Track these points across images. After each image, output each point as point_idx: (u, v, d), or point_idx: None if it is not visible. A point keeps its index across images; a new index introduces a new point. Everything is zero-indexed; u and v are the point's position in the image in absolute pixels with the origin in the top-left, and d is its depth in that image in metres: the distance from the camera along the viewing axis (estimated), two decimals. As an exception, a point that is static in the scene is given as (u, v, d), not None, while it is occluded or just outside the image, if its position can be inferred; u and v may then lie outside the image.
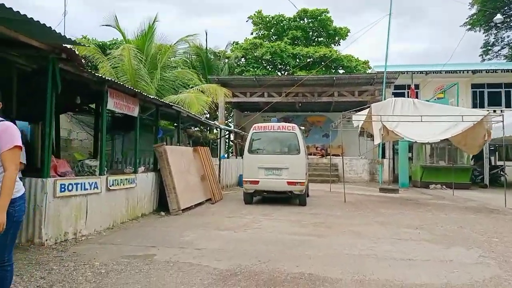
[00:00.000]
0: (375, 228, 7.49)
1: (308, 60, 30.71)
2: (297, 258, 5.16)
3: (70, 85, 8.65)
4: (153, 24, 16.57)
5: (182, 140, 14.59)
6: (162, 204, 9.07)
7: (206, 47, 26.94)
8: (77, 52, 5.48)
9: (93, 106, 10.37)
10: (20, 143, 2.73)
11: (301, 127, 12.00)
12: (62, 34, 5.10)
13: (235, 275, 4.41)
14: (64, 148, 13.36)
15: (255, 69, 30.06)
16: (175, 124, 15.10)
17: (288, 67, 31.85)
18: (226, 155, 17.34)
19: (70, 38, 4.99)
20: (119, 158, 11.75)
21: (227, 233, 6.77)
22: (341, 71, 31.56)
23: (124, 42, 17.07)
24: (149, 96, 8.52)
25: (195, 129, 20.54)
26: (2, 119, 2.78)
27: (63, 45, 5.24)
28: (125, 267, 4.60)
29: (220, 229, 7.13)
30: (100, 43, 23.33)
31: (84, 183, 6.23)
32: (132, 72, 14.58)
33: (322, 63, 28.67)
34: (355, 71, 30.19)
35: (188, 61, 25.51)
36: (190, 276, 4.31)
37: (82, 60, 5.68)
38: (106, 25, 16.43)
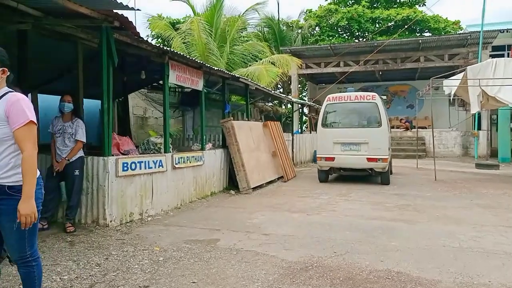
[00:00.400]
0: (476, 213, 6.30)
1: (389, 24, 28.15)
2: (381, 250, 4.34)
3: (136, 60, 8.54)
4: (221, -6, 16.08)
5: (253, 115, 14.12)
6: (233, 182, 8.69)
7: (278, 18, 26.01)
8: (130, 20, 5.05)
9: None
10: (34, 118, 2.28)
11: (382, 97, 10.75)
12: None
13: (305, 269, 3.75)
14: (141, 126, 13.67)
15: (330, 38, 28.34)
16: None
17: (366, 33, 29.55)
18: (299, 130, 16.56)
19: (120, 3, 4.54)
20: (190, 135, 11.61)
21: (299, 216, 6.12)
22: (427, 35, 28.45)
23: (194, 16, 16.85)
24: (214, 68, 8.01)
25: (269, 104, 20.01)
26: (11, 90, 2.34)
27: (115, 11, 4.83)
28: (185, 254, 4.18)
29: (292, 211, 6.50)
30: (175, 21, 23.62)
31: (148, 161, 5.95)
32: (202, 47, 14.31)
33: (405, 26, 26.01)
34: (443, 33, 26.98)
35: (261, 34, 24.88)
36: (253, 269, 3.75)
37: (136, 29, 5.24)
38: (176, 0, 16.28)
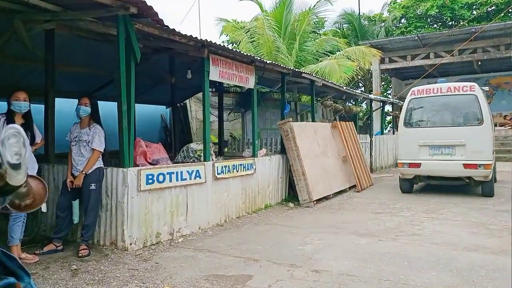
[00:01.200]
0: None
1: (489, 8, 24.44)
2: (486, 311, 2.83)
3: (191, 61, 7.77)
4: (290, -10, 15.00)
5: (325, 116, 12.74)
6: (294, 192, 7.47)
7: (359, 12, 24.20)
8: (149, 5, 4.19)
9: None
10: None
11: (483, 88, 8.66)
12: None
13: None
14: (205, 131, 13.13)
15: (419, 29, 25.47)
16: (318, 99, 13.32)
17: (460, 22, 26.05)
18: (381, 131, 14.71)
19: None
20: (249, 139, 10.66)
21: (368, 242, 4.71)
22: (538, 16, 24.04)
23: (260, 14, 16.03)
24: (267, 62, 6.90)
25: (349, 104, 18.28)
26: None
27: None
28: (197, 299, 3.13)
29: (359, 233, 5.10)
30: (245, 24, 23.16)
31: (181, 172, 5.05)
32: (269, 45, 13.35)
33: (508, 8, 22.21)
34: (560, 13, 22.52)
35: (339, 31, 23.31)
36: (281, 334, 2.55)
37: (159, 15, 4.38)
38: (244, -1, 15.60)
